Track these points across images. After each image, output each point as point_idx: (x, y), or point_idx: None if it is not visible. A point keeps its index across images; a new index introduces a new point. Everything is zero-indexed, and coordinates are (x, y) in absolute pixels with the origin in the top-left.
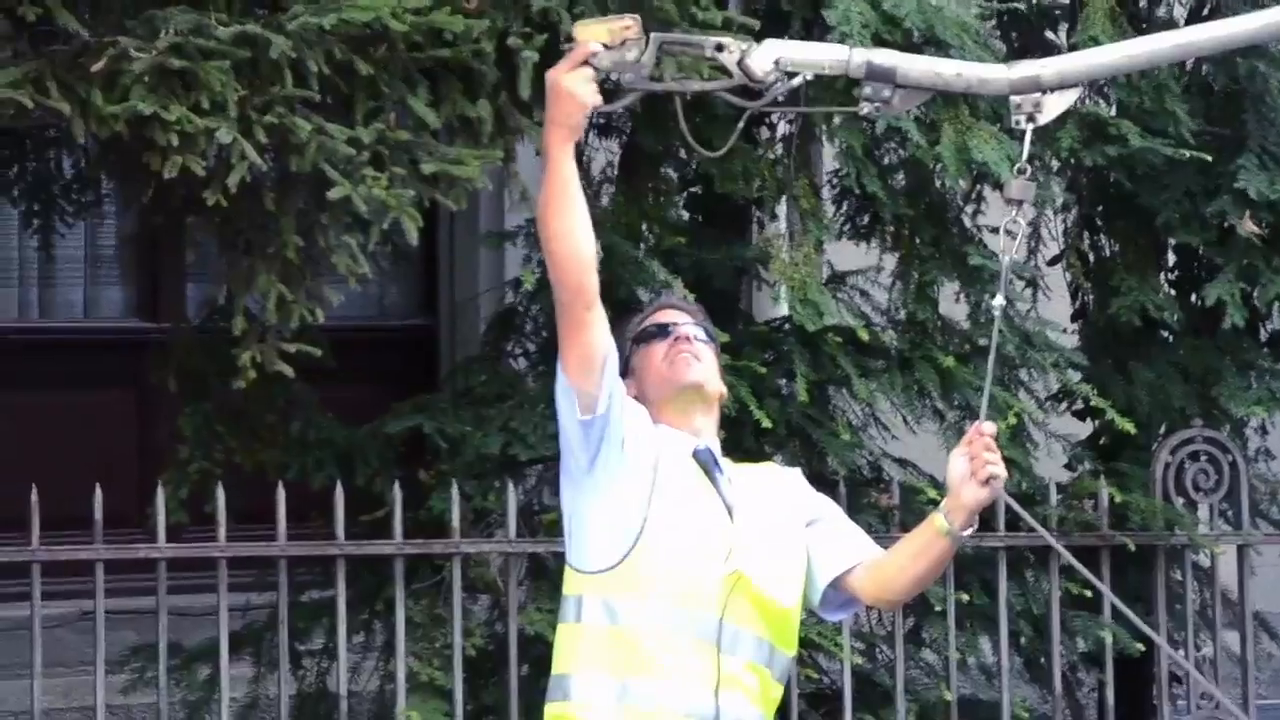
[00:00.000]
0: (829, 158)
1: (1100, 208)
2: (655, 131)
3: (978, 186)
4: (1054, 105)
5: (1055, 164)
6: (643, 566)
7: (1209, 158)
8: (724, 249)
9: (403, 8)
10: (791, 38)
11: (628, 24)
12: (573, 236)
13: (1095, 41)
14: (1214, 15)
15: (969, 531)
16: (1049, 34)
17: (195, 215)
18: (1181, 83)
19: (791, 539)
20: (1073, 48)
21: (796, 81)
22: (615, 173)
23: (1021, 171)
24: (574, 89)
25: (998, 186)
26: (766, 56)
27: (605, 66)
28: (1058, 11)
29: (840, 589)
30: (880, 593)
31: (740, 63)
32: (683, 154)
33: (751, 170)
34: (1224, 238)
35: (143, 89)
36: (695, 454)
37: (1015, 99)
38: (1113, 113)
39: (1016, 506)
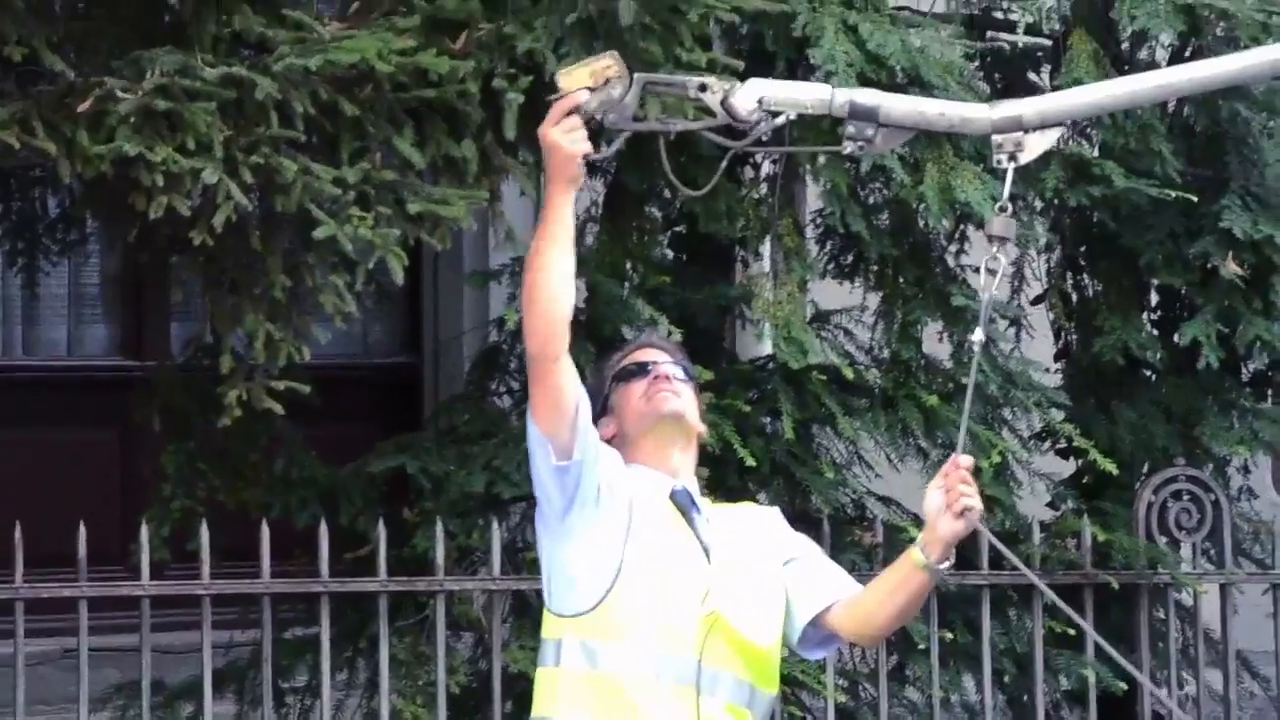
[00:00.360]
0: (813, 197)
1: (1083, 248)
2: (639, 171)
3: (961, 226)
4: (1036, 145)
5: (1039, 204)
6: (620, 610)
7: (1194, 198)
8: (708, 288)
9: (388, 49)
10: (776, 78)
11: (608, 63)
12: (551, 289)
13: (1078, 83)
14: (1195, 57)
15: (946, 565)
16: (1032, 75)
17: (180, 254)
18: (1165, 124)
19: (769, 578)
20: (1056, 89)
21: (780, 121)
22: (600, 212)
23: (1003, 209)
24: (560, 142)
25: (981, 226)
26: (750, 96)
27: (593, 109)
28: (1040, 53)
29: (820, 626)
30: (860, 629)
31: (724, 102)
32: (667, 193)
33: (735, 209)
34: (1206, 279)
35: (128, 129)
36: (673, 495)
37: (997, 138)
38: (1096, 153)
39: (996, 542)
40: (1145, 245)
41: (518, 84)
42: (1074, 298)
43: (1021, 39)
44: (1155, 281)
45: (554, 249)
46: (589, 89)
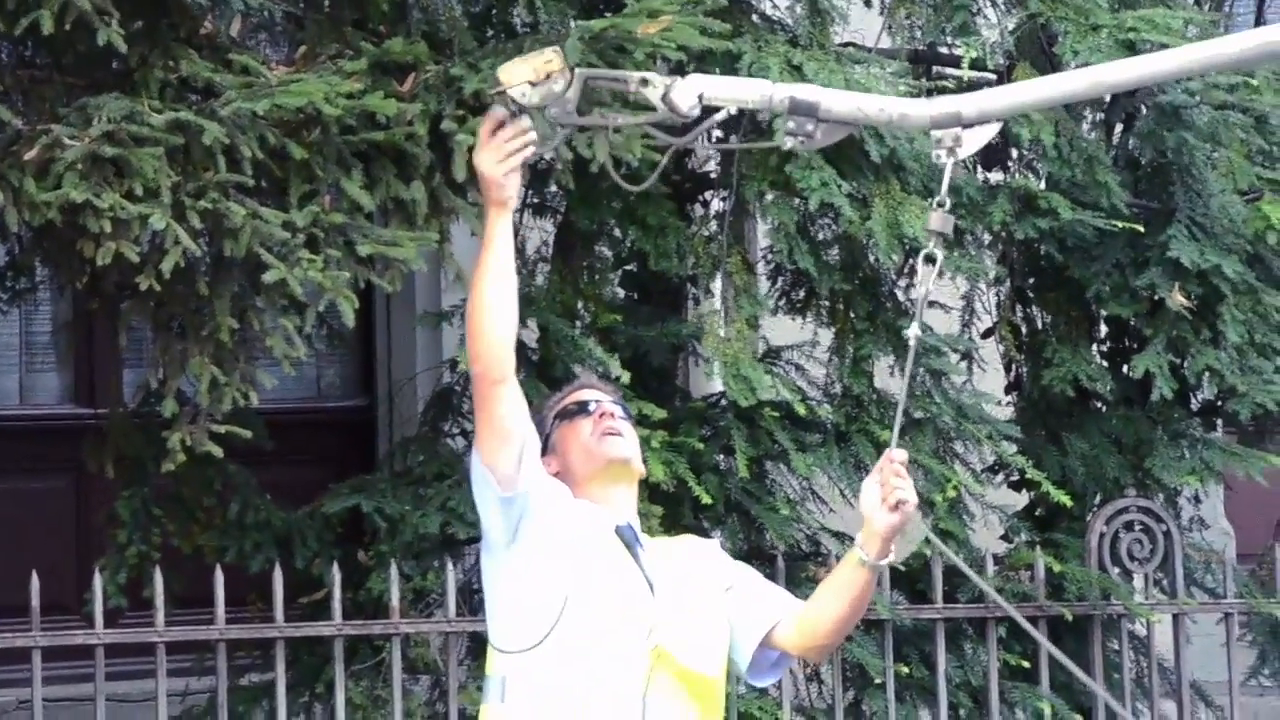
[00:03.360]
0: (762, 233)
1: (1032, 280)
2: (589, 210)
3: (910, 260)
4: (974, 140)
5: (987, 237)
6: (566, 644)
7: (1140, 229)
8: (660, 326)
9: (335, 92)
10: (724, 116)
11: (549, 58)
12: (492, 311)
13: (1025, 118)
14: (1138, 92)
15: (886, 560)
16: None
17: (130, 300)
18: (1110, 156)
19: (712, 608)
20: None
21: (720, 116)
22: (550, 251)
23: (941, 205)
24: (483, 166)
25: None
26: (690, 91)
27: (535, 102)
28: (986, 88)
29: (768, 647)
30: (808, 640)
31: (665, 97)
32: (617, 232)
33: (685, 247)
34: (1154, 309)
35: (75, 176)
36: (617, 530)
37: (936, 133)
38: (1043, 186)
39: (963, 566)
40: (1093, 276)
41: (466, 125)
42: (1024, 330)
43: (966, 74)
44: (1104, 313)
45: (489, 272)
46: (530, 83)
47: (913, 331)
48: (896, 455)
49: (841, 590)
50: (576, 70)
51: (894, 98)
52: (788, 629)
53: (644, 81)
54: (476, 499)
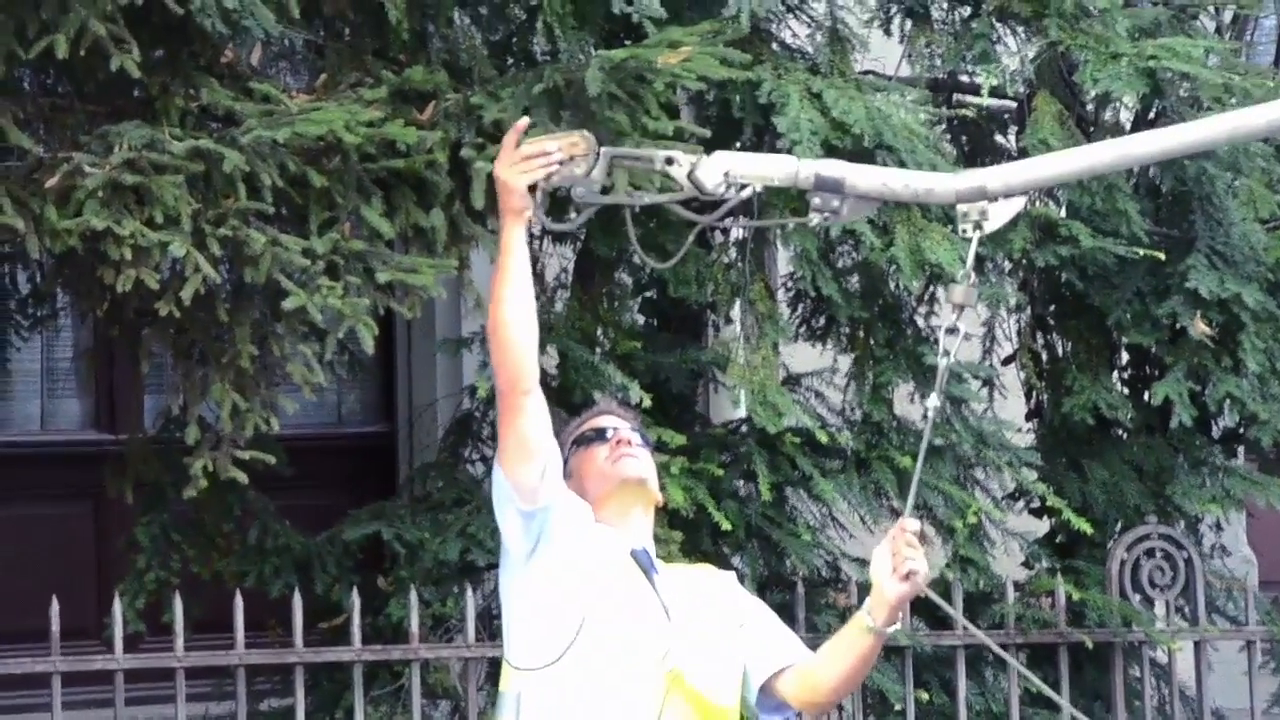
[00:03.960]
0: (783, 260)
1: (1053, 307)
2: (608, 237)
3: (931, 287)
4: (1000, 213)
5: (1008, 265)
6: (582, 664)
7: (1160, 257)
8: (680, 353)
9: (356, 120)
10: (742, 145)
11: (575, 140)
12: (513, 322)
13: (1045, 144)
14: (1159, 118)
15: (893, 628)
16: (999, 137)
17: (150, 326)
18: (1131, 184)
19: (728, 639)
20: (1022, 151)
21: (746, 193)
22: (570, 279)
23: (966, 278)
24: (500, 173)
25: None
26: (716, 169)
27: (555, 183)
28: (1007, 115)
29: (769, 694)
30: (809, 695)
31: (690, 175)
32: (636, 259)
33: (705, 274)
34: (1175, 337)
35: (96, 204)
36: (633, 554)
37: (962, 208)
38: (1063, 213)
39: (950, 609)
40: (1113, 304)
41: (485, 153)
42: (1044, 357)
43: (986, 102)
44: (1125, 340)
45: (507, 281)
46: (558, 163)
47: (932, 403)
48: (909, 525)
49: (845, 653)
50: (602, 150)
51: (919, 173)
52: (791, 680)
53: (669, 160)
54: (497, 511)
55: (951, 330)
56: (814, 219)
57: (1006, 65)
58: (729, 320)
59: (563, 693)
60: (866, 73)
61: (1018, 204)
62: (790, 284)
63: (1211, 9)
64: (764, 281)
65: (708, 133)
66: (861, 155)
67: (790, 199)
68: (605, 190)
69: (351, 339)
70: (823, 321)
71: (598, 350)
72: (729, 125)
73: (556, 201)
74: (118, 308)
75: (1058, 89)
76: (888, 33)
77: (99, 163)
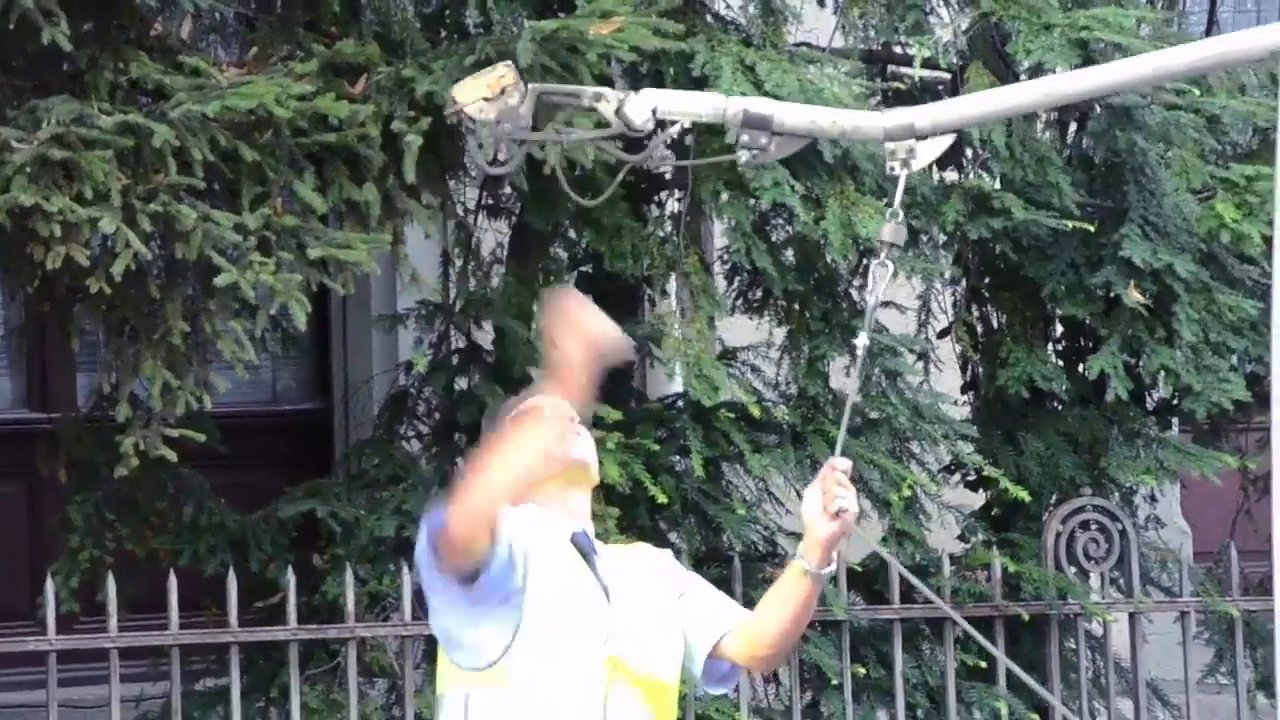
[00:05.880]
0: (719, 234)
1: (987, 279)
2: (543, 211)
3: (864, 261)
4: (927, 152)
5: (942, 237)
6: (526, 657)
7: (1091, 228)
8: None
9: (287, 94)
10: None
11: (502, 73)
12: (495, 509)
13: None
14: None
15: (828, 570)
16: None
17: (81, 303)
18: (1063, 156)
19: (667, 615)
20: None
21: (675, 130)
22: (505, 254)
23: (894, 216)
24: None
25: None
26: (644, 106)
27: (492, 118)
28: (940, 87)
29: (717, 658)
30: (753, 649)
31: (619, 112)
32: (572, 233)
33: (641, 248)
34: (1109, 309)
35: (24, 180)
36: (573, 538)
37: (890, 145)
38: (996, 185)
39: (907, 574)
40: (1047, 276)
41: (417, 126)
42: (979, 330)
43: (919, 73)
44: (1059, 312)
45: (520, 480)
46: (485, 99)
47: (860, 341)
48: (839, 464)
49: (785, 601)
50: (530, 85)
51: (848, 110)
52: (735, 640)
53: (598, 96)
54: (426, 583)
55: (880, 266)
56: (742, 156)
57: (940, 37)
58: (665, 294)
59: (511, 689)
60: (800, 45)
61: (945, 142)
62: (726, 257)
63: None
64: (698, 255)
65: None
66: None
67: (723, 170)
68: (534, 128)
69: (285, 316)
70: (759, 295)
71: (533, 326)
72: None
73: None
74: (48, 284)
75: (990, 60)
76: (821, 4)
77: (26, 138)
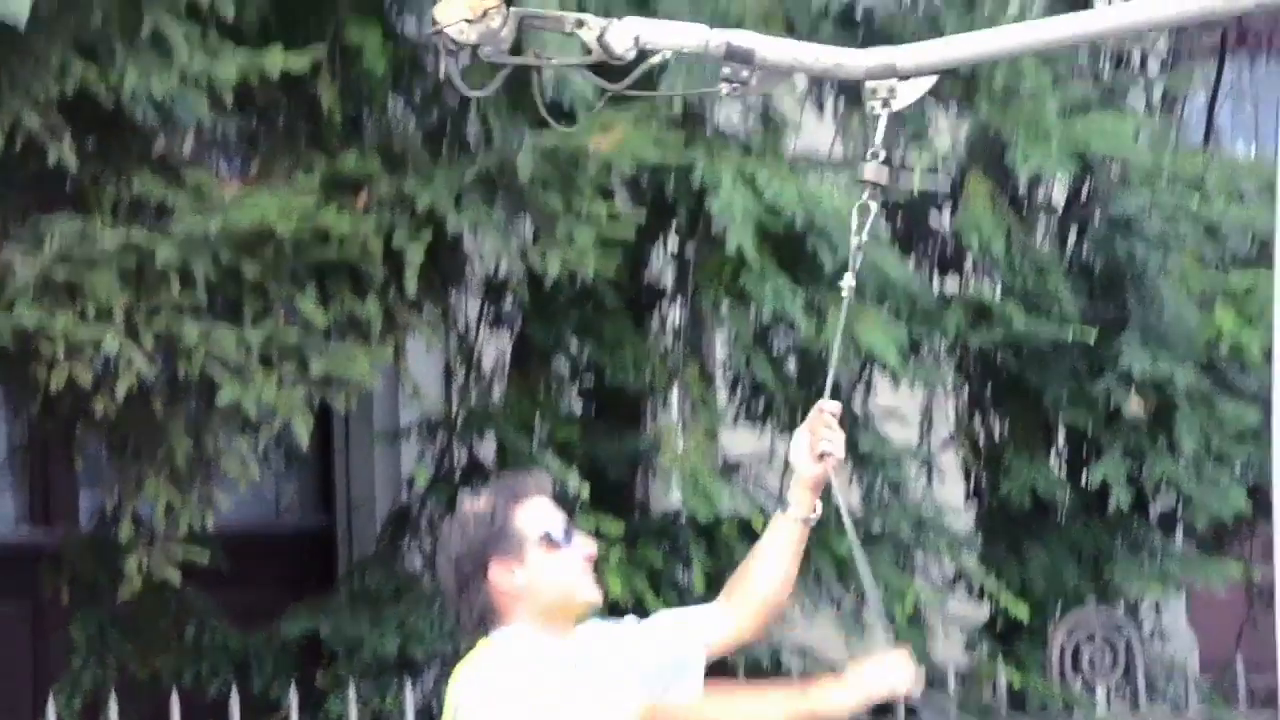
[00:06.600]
0: (720, 343)
1: (989, 387)
2: (545, 324)
3: (866, 371)
4: (909, 92)
5: (943, 345)
6: None
7: (1091, 341)
8: (618, 440)
9: (289, 209)
10: (677, 228)
11: None
12: None
13: (977, 225)
14: (1091, 197)
15: (814, 514)
16: (932, 223)
17: (84, 423)
18: (1064, 264)
19: (656, 655)
20: (955, 232)
21: (656, 59)
22: (507, 366)
23: (875, 156)
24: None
25: (886, 369)
26: (626, 34)
27: (473, 40)
28: (939, 195)
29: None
30: (750, 618)
31: (600, 39)
32: (573, 347)
33: (642, 360)
34: (1111, 418)
35: (28, 300)
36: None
37: (871, 84)
38: (998, 292)
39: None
40: (1049, 384)
41: (419, 240)
42: (982, 438)
43: (918, 185)
44: (1062, 420)
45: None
46: (467, 21)
47: (846, 282)
48: (827, 406)
49: (776, 554)
50: (511, 9)
51: (830, 48)
52: (720, 630)
53: (579, 23)
54: None
55: (863, 208)
56: (723, 89)
57: (939, 147)
58: (666, 405)
59: None
60: (800, 156)
61: (926, 83)
62: (728, 367)
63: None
64: (699, 366)
65: (642, 216)
66: (794, 239)
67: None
68: (515, 52)
69: (287, 432)
70: (761, 405)
71: (535, 439)
72: (663, 208)
73: (492, 288)
74: (51, 403)
75: (989, 168)
76: (821, 113)
77: (30, 256)
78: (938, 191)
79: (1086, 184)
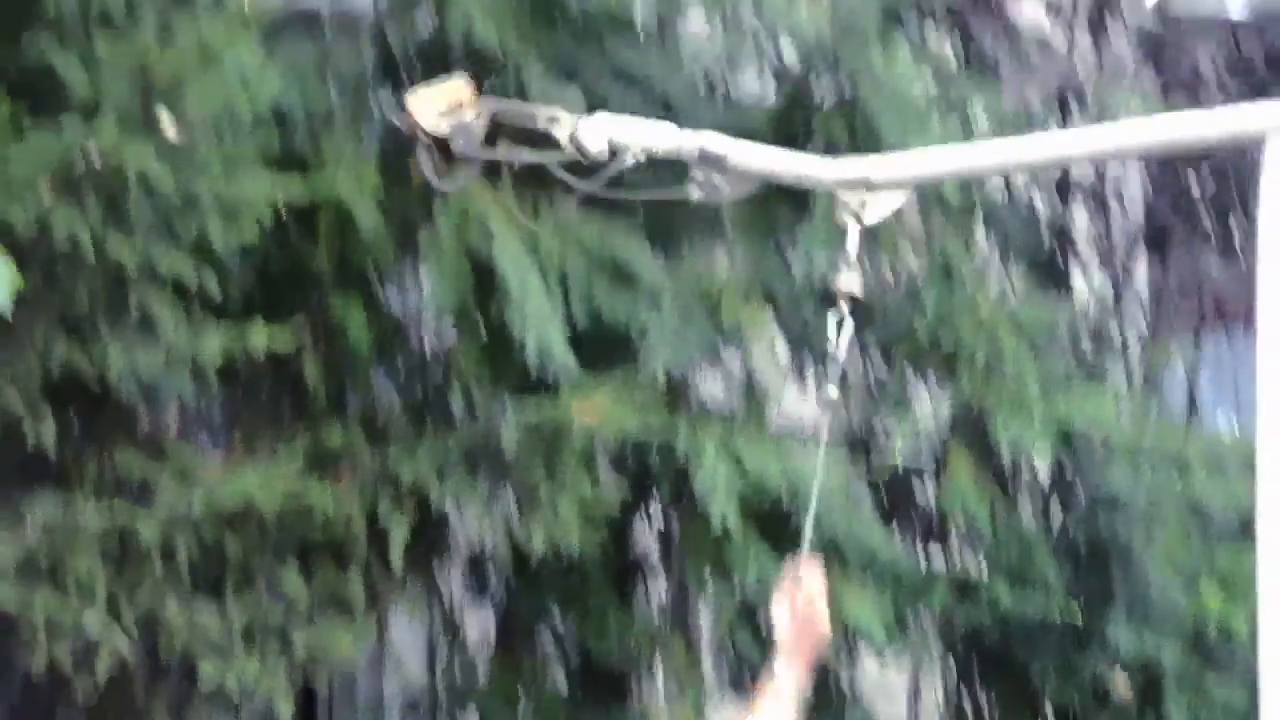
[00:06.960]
0: (706, 614)
1: (976, 662)
2: (530, 599)
3: (852, 643)
4: (881, 206)
5: (928, 622)
6: None
7: (1079, 622)
8: (604, 716)
9: (272, 485)
10: (662, 502)
11: (458, 86)
12: None
13: (962, 499)
14: (1075, 475)
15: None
16: (917, 490)
17: (64, 707)
18: (1049, 541)
19: None
20: (939, 507)
21: (629, 161)
22: (492, 642)
23: (848, 265)
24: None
25: (870, 642)
26: (599, 134)
27: (445, 132)
28: (922, 471)
29: None
30: None
31: (573, 137)
32: (559, 624)
33: (627, 634)
34: (1101, 696)
35: (7, 583)
36: None
37: (843, 196)
38: (984, 564)
39: None
40: (1035, 661)
41: (403, 515)
42: (970, 715)
43: (900, 462)
44: (1049, 698)
45: None
46: (440, 114)
47: (829, 394)
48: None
49: None
50: (484, 102)
51: (804, 156)
52: None
53: (552, 120)
54: None
55: (839, 321)
56: (694, 193)
57: (921, 423)
58: (653, 678)
59: None
60: (783, 430)
61: (899, 199)
62: (714, 639)
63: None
64: (685, 639)
65: (625, 492)
66: (779, 513)
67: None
68: (486, 146)
69: (269, 712)
70: (748, 678)
71: (520, 716)
72: (645, 477)
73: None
74: (31, 686)
75: (972, 442)
76: (803, 388)
77: (10, 537)
78: (921, 466)
79: (1069, 459)
